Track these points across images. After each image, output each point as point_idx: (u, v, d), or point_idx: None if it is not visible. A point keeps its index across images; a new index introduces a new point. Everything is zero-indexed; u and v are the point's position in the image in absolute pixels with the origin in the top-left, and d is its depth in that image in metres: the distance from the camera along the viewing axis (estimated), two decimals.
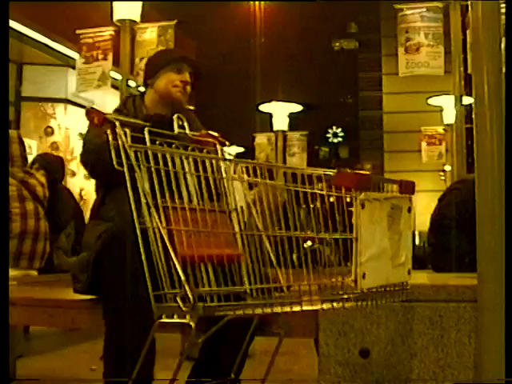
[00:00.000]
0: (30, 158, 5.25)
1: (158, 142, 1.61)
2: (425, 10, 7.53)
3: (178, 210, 1.54)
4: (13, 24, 8.10)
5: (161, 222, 1.46)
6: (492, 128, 2.01)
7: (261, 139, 13.30)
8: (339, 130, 35.48)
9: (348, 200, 1.57)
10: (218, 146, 1.98)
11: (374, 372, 2.13)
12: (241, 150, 19.46)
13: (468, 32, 6.01)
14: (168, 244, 1.44)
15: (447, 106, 10.42)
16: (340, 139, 35.70)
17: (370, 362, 2.13)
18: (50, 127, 9.96)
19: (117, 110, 2.52)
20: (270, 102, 12.12)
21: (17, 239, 4.21)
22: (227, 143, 2.04)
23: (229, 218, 1.81)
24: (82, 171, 9.68)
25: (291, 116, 12.21)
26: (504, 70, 2.02)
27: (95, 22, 7.61)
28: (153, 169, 1.51)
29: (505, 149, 1.98)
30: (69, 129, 9.97)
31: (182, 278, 1.41)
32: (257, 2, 21.88)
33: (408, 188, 1.67)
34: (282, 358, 3.75)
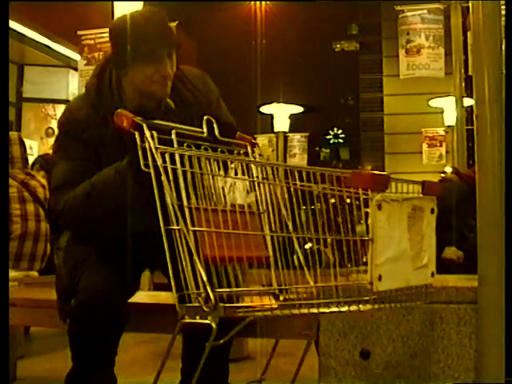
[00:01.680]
0: (31, 159, 5.26)
1: (185, 145, 1.58)
2: (426, 11, 7.54)
3: (205, 212, 1.52)
4: (14, 25, 8.11)
5: (186, 223, 1.45)
6: (493, 129, 2.01)
7: (261, 140, 13.32)
8: (340, 131, 35.51)
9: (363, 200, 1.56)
10: (249, 148, 1.91)
11: (374, 373, 2.13)
12: (241, 150, 19.42)
13: (469, 34, 6.02)
14: (191, 245, 1.43)
15: (448, 108, 10.42)
16: (341, 141, 35.74)
17: (371, 363, 2.13)
18: (51, 128, 9.97)
19: (94, 97, 2.18)
20: (270, 103, 12.13)
21: (17, 241, 4.22)
22: (257, 145, 1.99)
23: (259, 219, 1.75)
24: None
25: (292, 117, 12.22)
26: (504, 71, 2.03)
27: (96, 23, 7.63)
28: (179, 170, 1.48)
29: (505, 150, 1.98)
30: None
31: (204, 278, 1.40)
32: (258, 4, 21.89)
33: (431, 189, 1.64)
34: (282, 359, 3.74)
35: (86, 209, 2.05)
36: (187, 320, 1.44)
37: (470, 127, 7.66)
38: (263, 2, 21.83)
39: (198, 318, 1.42)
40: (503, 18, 2.07)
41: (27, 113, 9.90)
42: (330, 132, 35.44)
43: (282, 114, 11.85)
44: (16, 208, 4.25)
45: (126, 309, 2.18)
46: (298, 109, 12.39)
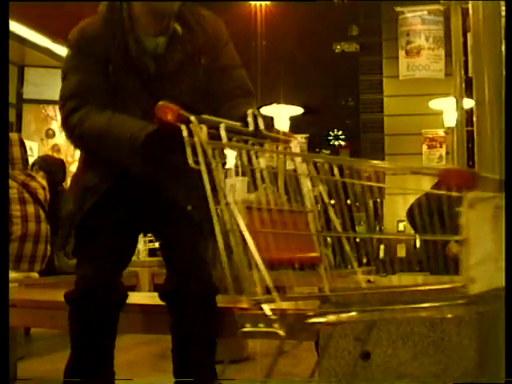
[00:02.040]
0: (31, 161, 5.26)
1: (234, 139, 1.49)
2: (426, 12, 7.56)
3: (257, 211, 1.42)
4: (14, 26, 8.11)
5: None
6: (493, 130, 2.02)
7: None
8: (340, 132, 35.50)
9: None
10: (293, 143, 1.83)
11: (374, 374, 2.13)
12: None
13: (469, 35, 6.02)
14: (253, 247, 1.30)
15: (448, 109, 10.39)
16: (341, 142, 35.75)
17: (371, 364, 2.13)
18: (52, 129, 9.97)
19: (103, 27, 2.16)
20: (270, 104, 12.12)
21: (18, 242, 4.22)
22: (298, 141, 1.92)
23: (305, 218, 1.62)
24: None
25: (292, 119, 12.20)
26: (504, 72, 2.03)
27: None
28: (233, 167, 1.41)
29: (505, 151, 1.98)
30: None
31: (270, 283, 1.27)
32: (258, 5, 21.91)
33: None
34: (282, 360, 3.74)
35: (95, 145, 2.05)
36: (248, 329, 1.30)
37: (470, 128, 7.65)
38: (263, 3, 21.82)
39: (261, 326, 1.28)
40: (503, 19, 2.07)
41: (27, 114, 9.89)
42: (330, 133, 35.43)
43: (282, 115, 11.83)
44: (16, 209, 4.26)
45: (123, 291, 2.22)
46: (298, 110, 12.37)
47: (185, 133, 1.41)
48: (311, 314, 1.29)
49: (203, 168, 1.35)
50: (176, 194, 2.17)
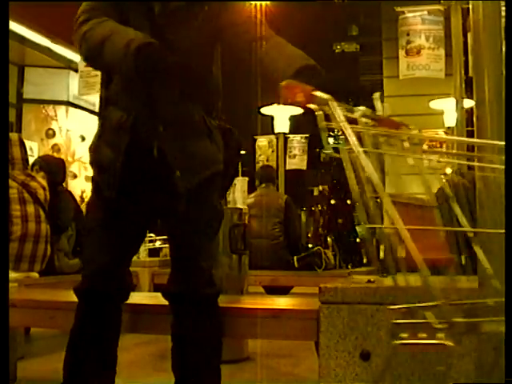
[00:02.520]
0: (31, 160, 5.26)
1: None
2: (426, 12, 7.53)
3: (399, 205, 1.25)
4: (14, 26, 8.11)
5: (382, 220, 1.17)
6: (493, 131, 2.01)
7: (262, 142, 13.32)
8: (340, 132, 35.51)
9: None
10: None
11: (374, 374, 2.13)
12: (241, 152, 19.46)
13: (469, 35, 6.01)
14: (412, 247, 1.13)
15: (448, 109, 10.38)
16: (341, 142, 35.72)
17: (371, 364, 2.12)
18: (52, 129, 9.97)
19: None
20: (271, 104, 12.11)
21: (18, 242, 4.22)
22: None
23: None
24: (83, 173, 9.69)
25: (292, 119, 12.19)
26: (504, 72, 2.03)
27: None
28: (369, 154, 1.25)
29: (506, 151, 1.98)
30: (70, 131, 9.98)
31: (435, 288, 1.13)
32: (258, 4, 21.90)
33: None
34: (282, 360, 3.74)
35: (98, 49, 2.03)
36: (404, 341, 1.13)
37: (470, 128, 7.64)
38: (263, 3, 21.80)
39: (423, 336, 1.11)
40: (503, 19, 2.07)
41: (27, 114, 9.88)
42: (331, 133, 35.41)
43: (282, 115, 11.81)
44: (16, 209, 4.25)
45: (129, 280, 2.24)
46: (299, 110, 12.36)
47: (321, 117, 1.28)
48: (481, 321, 1.15)
49: (346, 157, 1.21)
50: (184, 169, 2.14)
